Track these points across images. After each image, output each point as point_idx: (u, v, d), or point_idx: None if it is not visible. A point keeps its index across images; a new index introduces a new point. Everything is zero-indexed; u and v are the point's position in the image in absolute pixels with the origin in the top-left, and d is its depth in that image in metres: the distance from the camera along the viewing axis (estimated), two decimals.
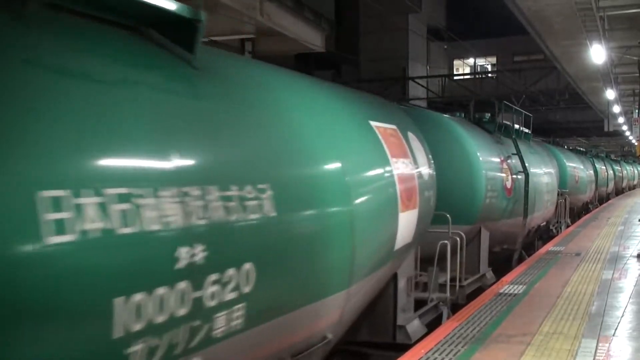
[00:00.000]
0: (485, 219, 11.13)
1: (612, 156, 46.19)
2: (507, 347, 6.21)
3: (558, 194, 18.21)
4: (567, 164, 21.61)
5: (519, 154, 13.21)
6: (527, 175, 13.06)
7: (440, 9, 34.21)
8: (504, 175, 11.93)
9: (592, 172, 27.24)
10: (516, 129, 14.86)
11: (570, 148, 28.63)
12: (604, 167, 33.63)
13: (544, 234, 17.25)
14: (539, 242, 16.50)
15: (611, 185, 36.77)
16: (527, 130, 16.48)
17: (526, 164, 13.36)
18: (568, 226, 19.33)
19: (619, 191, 41.72)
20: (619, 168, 43.08)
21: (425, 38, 29.41)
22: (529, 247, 15.39)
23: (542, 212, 15.33)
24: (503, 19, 22.95)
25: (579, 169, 23.50)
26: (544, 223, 16.48)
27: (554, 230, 18.05)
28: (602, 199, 32.27)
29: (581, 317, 7.40)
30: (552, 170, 16.79)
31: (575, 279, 9.88)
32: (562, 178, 20.09)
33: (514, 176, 12.57)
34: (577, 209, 23.52)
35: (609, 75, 20.54)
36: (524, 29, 17.18)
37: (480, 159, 10.86)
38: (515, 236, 13.28)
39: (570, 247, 13.83)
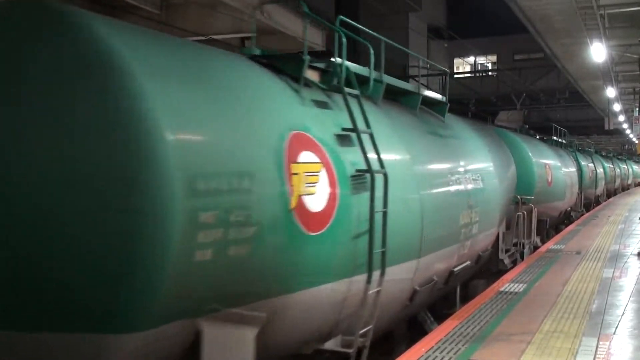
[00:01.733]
0: (201, 309, 4.34)
1: (613, 153, 44.82)
2: (508, 346, 6.20)
3: (519, 204, 12.83)
4: (535, 159, 15.09)
5: (356, 130, 5.90)
6: (374, 176, 5.82)
7: (440, 7, 34.22)
8: (304, 182, 5.08)
9: (574, 170, 21.59)
10: (359, 75, 6.70)
11: (545, 138, 21.77)
12: (592, 164, 27.54)
13: (493, 266, 11.41)
14: (482, 281, 11.01)
15: (601, 186, 30.16)
16: (429, 94, 9.24)
17: (382, 156, 6.12)
18: (537, 247, 13.89)
19: (610, 193, 35.04)
20: (611, 165, 36.57)
21: (425, 36, 29.43)
22: (441, 305, 9.28)
23: (456, 247, 8.44)
24: (503, 18, 22.92)
25: (553, 166, 17.23)
26: (468, 262, 9.20)
27: (506, 262, 11.71)
28: (588, 205, 26.02)
29: (582, 315, 7.39)
30: (491, 168, 10.54)
31: (575, 277, 9.87)
32: (525, 179, 13.93)
33: (346, 186, 5.64)
34: (551, 221, 16.85)
35: (609, 74, 20.56)
36: (525, 27, 17.20)
37: (180, 137, 4.10)
38: (351, 321, 5.88)
39: (571, 245, 13.82)
